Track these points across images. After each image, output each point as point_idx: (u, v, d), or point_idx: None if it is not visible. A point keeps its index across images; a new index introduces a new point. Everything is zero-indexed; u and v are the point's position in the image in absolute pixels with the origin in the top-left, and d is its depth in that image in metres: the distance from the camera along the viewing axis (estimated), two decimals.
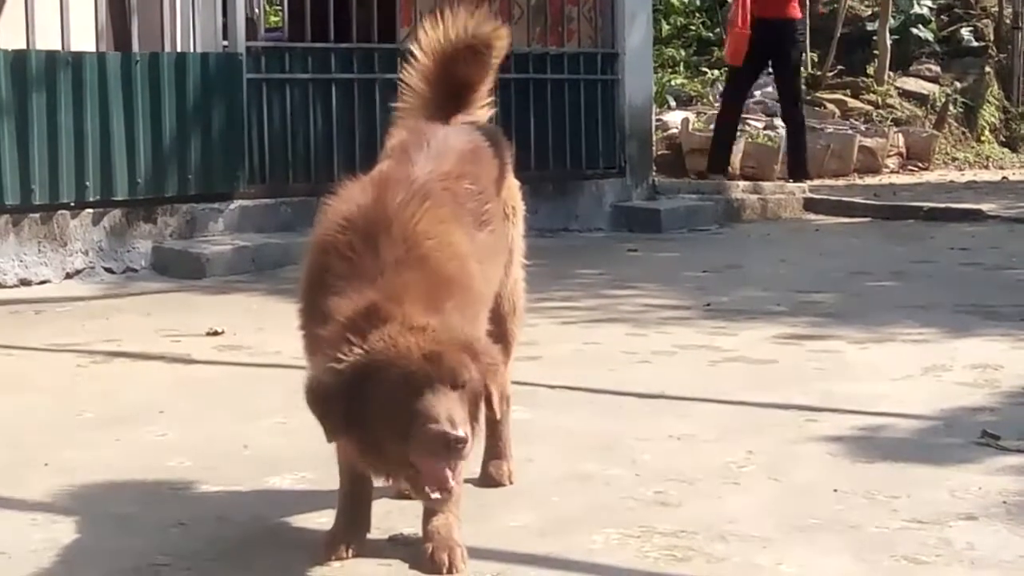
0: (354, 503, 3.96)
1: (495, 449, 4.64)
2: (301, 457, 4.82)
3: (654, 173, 14.03)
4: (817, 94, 20.64)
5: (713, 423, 5.52)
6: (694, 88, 20.34)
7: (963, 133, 21.71)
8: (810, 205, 14.71)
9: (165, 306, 8.61)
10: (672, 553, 3.95)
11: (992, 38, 23.10)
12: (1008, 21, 23.14)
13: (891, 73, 21.44)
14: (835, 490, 4.57)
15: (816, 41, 21.46)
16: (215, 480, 4.69)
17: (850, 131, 18.95)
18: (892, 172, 19.14)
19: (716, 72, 21.09)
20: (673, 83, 20.35)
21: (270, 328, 7.44)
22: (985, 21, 23.41)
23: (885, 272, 10.09)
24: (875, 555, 3.93)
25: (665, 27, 22.41)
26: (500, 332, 4.31)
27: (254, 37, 12.02)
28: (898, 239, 12.35)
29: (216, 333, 7.48)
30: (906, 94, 21.42)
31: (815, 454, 5.06)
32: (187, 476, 4.75)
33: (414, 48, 4.53)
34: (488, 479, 4.61)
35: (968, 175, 19.54)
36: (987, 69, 22.56)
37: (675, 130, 17.30)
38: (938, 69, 22.24)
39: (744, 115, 17.61)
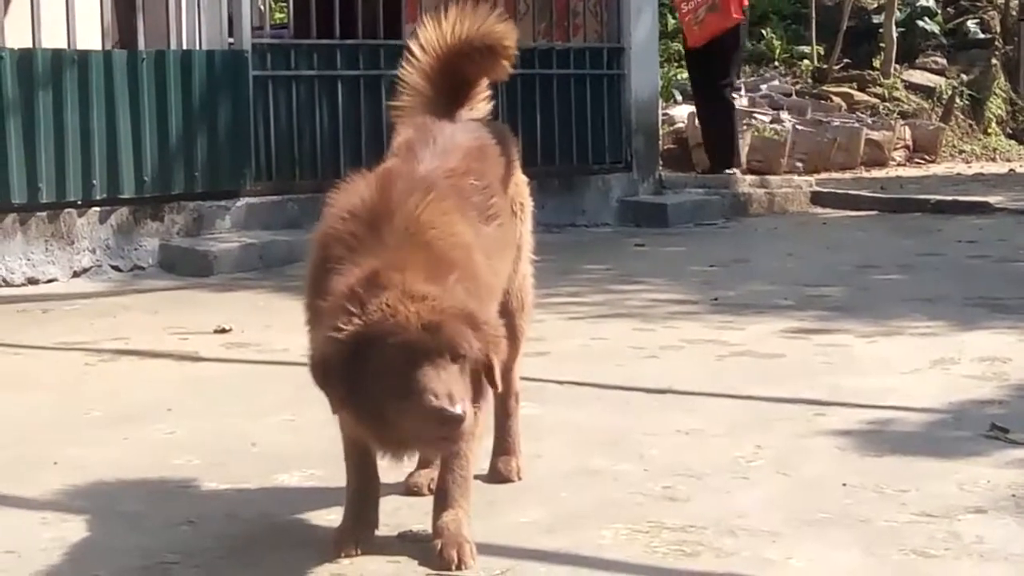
0: (362, 500, 3.96)
1: (504, 445, 4.64)
2: (309, 454, 4.83)
3: (660, 168, 14.03)
4: (823, 87, 20.65)
5: (721, 418, 5.52)
6: None
7: (970, 125, 21.71)
8: (817, 199, 14.69)
9: (172, 304, 8.62)
10: (681, 548, 3.95)
11: (998, 30, 23.10)
12: (1014, 13, 23.14)
13: (897, 66, 21.44)
14: (844, 484, 4.56)
15: (822, 34, 21.47)
16: (223, 478, 4.69)
17: (856, 124, 18.95)
18: (899, 165, 19.13)
19: None
20: (679, 77, 20.31)
21: (277, 325, 7.44)
22: (991, 13, 23.40)
23: (892, 265, 10.08)
24: (884, 549, 3.93)
25: (671, 21, 22.38)
26: (509, 328, 4.29)
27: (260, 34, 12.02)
28: (905, 232, 12.34)
29: (224, 330, 7.49)
30: (912, 87, 21.41)
31: (824, 448, 5.05)
32: (195, 474, 4.75)
33: (413, 45, 4.52)
34: (497, 475, 4.61)
35: (975, 167, 19.53)
36: (993, 61, 22.56)
37: (681, 124, 17.29)
38: (944, 62, 22.24)
39: (750, 109, 17.61)
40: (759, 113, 18.11)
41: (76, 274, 9.51)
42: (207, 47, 10.31)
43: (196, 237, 10.13)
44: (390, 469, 4.19)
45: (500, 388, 3.76)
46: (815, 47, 21.69)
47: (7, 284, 9.16)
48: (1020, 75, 22.72)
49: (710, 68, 14.31)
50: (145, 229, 9.90)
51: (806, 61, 21.75)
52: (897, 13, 21.45)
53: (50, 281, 9.35)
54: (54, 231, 9.42)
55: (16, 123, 9.21)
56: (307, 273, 3.93)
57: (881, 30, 21.50)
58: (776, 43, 22.14)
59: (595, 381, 6.22)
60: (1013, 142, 22.12)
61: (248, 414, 5.62)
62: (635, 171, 13.25)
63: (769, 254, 10.86)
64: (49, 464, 4.87)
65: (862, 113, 20.09)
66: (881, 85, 21.01)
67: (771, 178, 15.17)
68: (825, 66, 21.18)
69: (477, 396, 3.65)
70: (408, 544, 3.97)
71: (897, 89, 21.12)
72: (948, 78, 21.85)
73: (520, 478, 4.62)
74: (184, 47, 10.26)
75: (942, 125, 20.60)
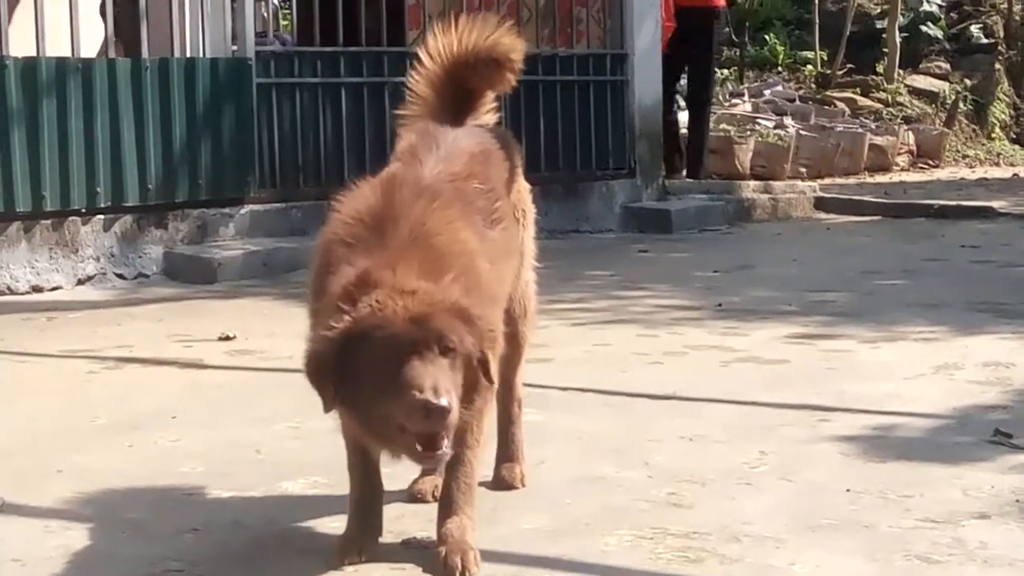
0: (366, 507, 3.96)
1: (507, 452, 4.64)
2: (314, 462, 4.83)
3: (664, 173, 14.02)
4: (827, 92, 20.65)
5: (725, 424, 5.52)
6: None
7: (973, 130, 21.70)
8: (821, 204, 14.69)
9: (177, 311, 8.62)
10: (685, 554, 3.95)
11: (1002, 35, 23.10)
12: (1017, 18, 23.14)
13: (901, 71, 21.44)
14: (848, 490, 4.56)
15: (825, 39, 21.47)
16: (228, 485, 4.70)
17: (860, 129, 18.95)
18: (902, 170, 19.13)
19: (726, 72, 21.09)
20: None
21: (282, 333, 7.44)
22: (995, 18, 23.41)
23: (896, 271, 10.08)
24: (888, 555, 3.93)
25: None
26: (512, 334, 4.30)
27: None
28: (909, 237, 12.34)
29: (228, 338, 7.49)
30: (916, 92, 21.42)
31: (828, 454, 5.06)
32: (200, 481, 4.75)
33: (421, 54, 4.53)
34: (501, 482, 4.61)
35: (979, 172, 19.52)
36: (997, 66, 22.56)
37: (684, 130, 17.28)
38: (948, 66, 22.24)
39: (754, 114, 17.60)
40: (763, 118, 18.11)
41: (80, 282, 9.51)
42: (211, 55, 10.32)
43: (200, 245, 10.14)
44: (394, 477, 4.21)
45: (495, 382, 3.73)
46: (819, 52, 21.70)
47: (12, 292, 9.17)
48: None
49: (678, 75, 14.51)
50: (149, 237, 9.91)
51: (809, 66, 21.76)
52: (900, 18, 21.46)
53: (54, 289, 9.36)
54: (58, 239, 9.43)
55: (20, 132, 9.23)
56: (311, 278, 3.93)
57: (884, 35, 21.51)
58: (780, 49, 22.15)
59: (599, 387, 6.22)
60: (1017, 147, 22.11)
61: (253, 422, 5.63)
62: (638, 177, 13.25)
63: (773, 260, 10.85)
64: (54, 472, 4.87)
65: (866, 118, 20.09)
66: (885, 90, 21.02)
67: (775, 184, 15.17)
68: (829, 71, 21.18)
69: (472, 394, 3.65)
70: (412, 551, 3.97)
71: (901, 94, 21.13)
72: (952, 83, 21.85)
73: (524, 485, 4.62)
74: (188, 55, 10.27)
75: (946, 130, 20.60)
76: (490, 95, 4.61)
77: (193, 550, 4.03)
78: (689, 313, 8.33)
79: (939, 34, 22.53)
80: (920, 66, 22.09)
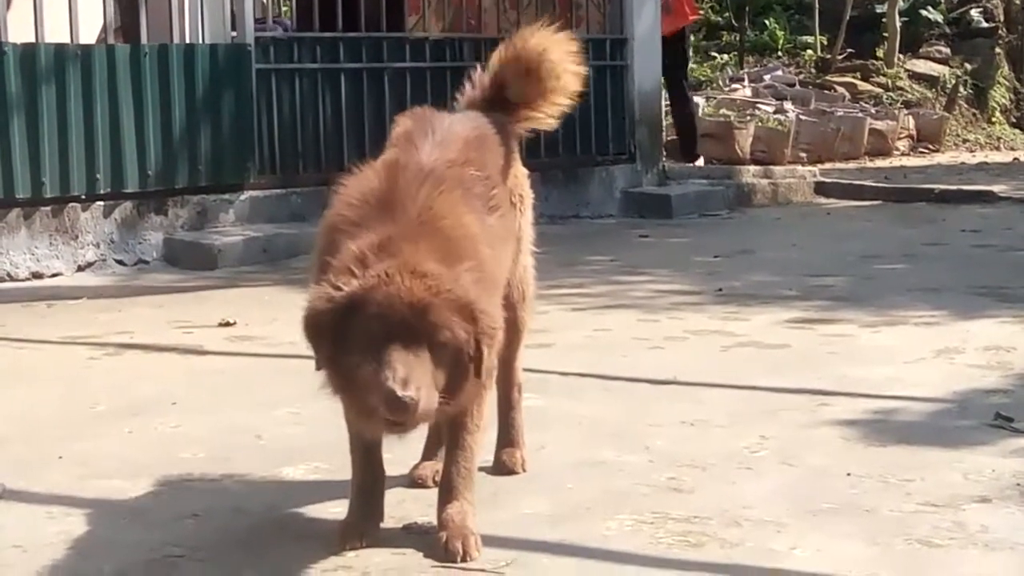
0: (367, 492, 3.96)
1: (508, 437, 4.64)
2: (315, 447, 4.83)
3: (664, 158, 14.02)
4: (827, 77, 20.62)
5: (726, 408, 5.52)
6: (704, 73, 20.31)
7: (974, 115, 21.70)
8: (821, 189, 14.69)
9: (177, 298, 8.62)
10: (686, 539, 3.95)
11: (1002, 19, 23.07)
12: (1018, 1, 23.10)
13: (901, 55, 21.42)
14: (848, 474, 4.56)
15: (825, 24, 21.44)
16: (229, 471, 4.70)
17: (860, 114, 18.94)
18: (903, 154, 19.13)
19: (726, 56, 21.08)
20: None
21: (282, 319, 7.43)
22: (995, 2, 23.39)
23: (896, 255, 10.08)
24: (889, 538, 3.93)
25: None
26: (511, 319, 4.30)
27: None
28: (909, 222, 12.34)
29: (228, 324, 7.49)
30: (916, 76, 21.40)
31: (828, 438, 5.06)
32: (201, 468, 4.75)
33: (503, 47, 4.57)
34: (501, 467, 4.61)
35: (979, 157, 19.52)
36: (997, 50, 22.55)
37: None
38: (948, 51, 22.22)
39: (754, 99, 17.61)
40: (763, 103, 18.10)
41: (80, 268, 9.51)
42: (210, 41, 10.31)
43: (200, 231, 10.14)
44: (395, 462, 4.21)
45: (482, 378, 3.71)
46: (818, 37, 21.67)
47: (12, 279, 9.17)
48: None
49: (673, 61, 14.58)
50: (149, 223, 9.91)
51: (809, 51, 21.74)
52: (900, 2, 21.44)
53: (54, 275, 9.36)
54: (58, 225, 9.43)
55: (20, 118, 9.22)
56: (314, 259, 3.92)
57: (884, 19, 21.48)
58: (779, 33, 22.12)
59: (599, 372, 6.22)
60: (1017, 131, 22.10)
61: (253, 407, 5.63)
62: (639, 162, 13.25)
63: (773, 244, 10.85)
64: (54, 458, 4.87)
65: (866, 103, 20.07)
66: (885, 75, 21.00)
67: (775, 168, 15.17)
68: (829, 56, 21.16)
69: (461, 386, 3.63)
70: (413, 536, 3.97)
71: (901, 79, 21.11)
72: (952, 67, 21.83)
73: (524, 470, 4.62)
74: (187, 41, 10.26)
75: (946, 114, 20.59)
76: (532, 112, 4.66)
77: (194, 536, 4.03)
78: (689, 298, 8.33)
79: (939, 18, 22.51)
80: (920, 50, 22.06)
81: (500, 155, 4.35)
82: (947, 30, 22.62)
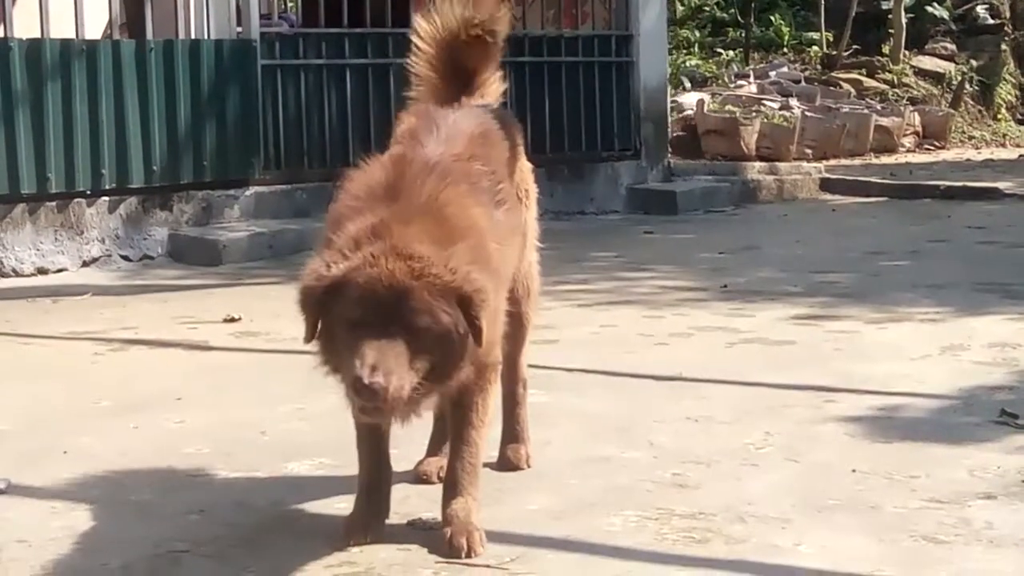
0: (373, 488, 3.96)
1: (512, 433, 4.64)
2: (319, 443, 4.83)
3: (669, 155, 14.01)
4: (832, 74, 20.60)
5: (730, 405, 5.51)
6: (709, 69, 20.30)
7: (979, 111, 21.67)
8: (826, 185, 14.68)
9: (182, 293, 8.62)
10: (691, 535, 3.95)
11: (1008, 15, 23.04)
12: None
13: (906, 52, 21.39)
14: (853, 470, 4.56)
15: (831, 20, 21.42)
16: (233, 466, 4.70)
17: (866, 110, 18.91)
18: (908, 151, 19.10)
19: (731, 53, 21.06)
20: (688, 64, 20.31)
21: (287, 314, 7.34)
22: None
23: (902, 251, 10.07)
24: (894, 535, 3.93)
25: (680, 8, 22.38)
26: (515, 315, 4.30)
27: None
28: (915, 218, 12.33)
29: (233, 320, 7.49)
30: (922, 73, 21.37)
31: (833, 434, 5.05)
32: (205, 463, 4.76)
33: (414, 36, 4.52)
34: (506, 463, 4.61)
35: (985, 153, 19.49)
36: (1003, 47, 22.51)
37: (690, 111, 17.27)
38: (954, 47, 22.19)
39: (759, 95, 17.59)
40: (768, 100, 18.07)
41: (85, 264, 9.52)
42: (215, 36, 10.31)
43: (205, 226, 10.14)
44: (400, 458, 4.21)
45: (482, 346, 3.65)
46: (824, 33, 21.64)
47: (17, 274, 9.18)
48: None
49: None
50: (154, 218, 9.91)
51: (815, 47, 21.72)
52: None
53: (60, 271, 9.37)
54: (63, 221, 9.43)
55: (25, 114, 9.22)
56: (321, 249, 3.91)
57: (890, 16, 21.45)
58: (785, 30, 22.10)
59: (604, 368, 6.22)
60: (1023, 128, 22.07)
61: (258, 403, 5.63)
62: (644, 158, 13.24)
63: (778, 241, 10.84)
64: (59, 453, 4.88)
65: (871, 99, 20.05)
66: (890, 71, 20.97)
67: (780, 165, 15.16)
68: (834, 52, 21.13)
69: (450, 369, 3.61)
70: (418, 532, 3.97)
71: (906, 75, 21.08)
72: (957, 64, 21.80)
73: (529, 466, 4.62)
74: (192, 37, 10.26)
75: (951, 111, 20.56)
76: (489, 70, 4.58)
77: (198, 531, 4.03)
78: (694, 294, 8.33)
79: (945, 15, 22.47)
80: (926, 47, 22.03)
81: (505, 150, 4.35)
82: (953, 27, 22.59)
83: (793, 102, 18.03)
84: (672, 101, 16.39)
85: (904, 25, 21.06)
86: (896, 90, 20.68)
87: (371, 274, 3.52)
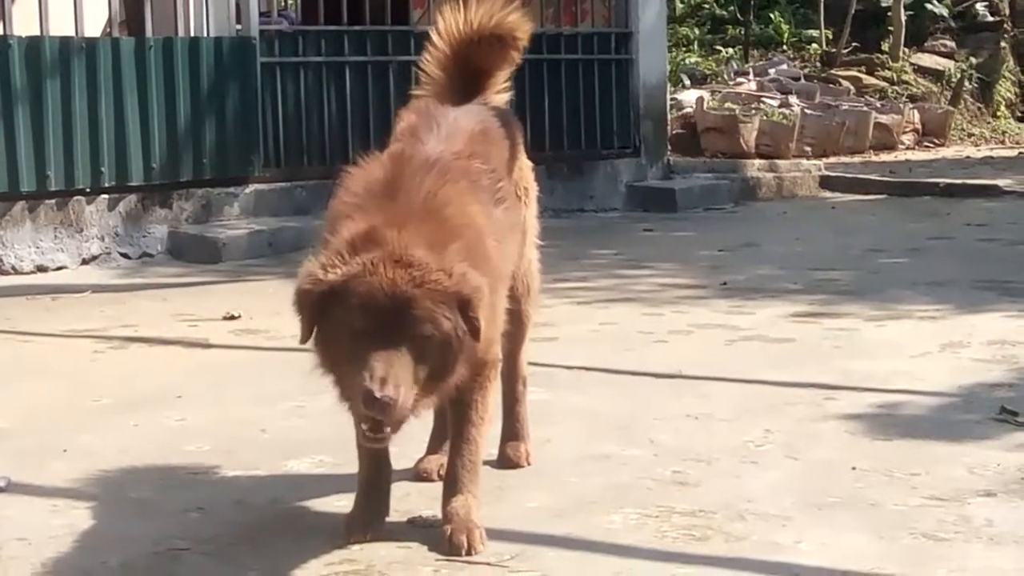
0: (373, 486, 3.96)
1: (513, 430, 4.64)
2: (319, 441, 4.83)
3: (669, 152, 14.01)
4: (832, 71, 20.59)
5: (730, 402, 5.52)
6: (708, 66, 20.29)
7: (979, 109, 21.66)
8: (826, 183, 14.68)
9: (181, 291, 8.62)
10: (691, 532, 3.95)
11: (1007, 12, 23.02)
12: None
13: (906, 49, 21.38)
14: (853, 468, 4.56)
15: (830, 18, 21.41)
16: (233, 464, 4.70)
17: (865, 108, 18.89)
18: (908, 148, 19.09)
19: (731, 50, 21.05)
20: (687, 62, 20.30)
21: (287, 312, 7.34)
22: None
23: (901, 249, 10.07)
24: (894, 532, 3.93)
25: (679, 5, 22.37)
26: (515, 312, 4.30)
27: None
28: (914, 216, 12.33)
29: (233, 317, 7.49)
30: (921, 70, 21.36)
31: (833, 432, 5.05)
32: (205, 460, 4.76)
33: (432, 33, 4.52)
34: (506, 460, 4.61)
35: (984, 150, 19.49)
36: (1002, 44, 22.50)
37: (690, 109, 17.25)
38: (953, 45, 22.18)
39: (759, 93, 17.59)
40: (768, 97, 18.06)
41: (85, 261, 9.52)
42: (215, 34, 10.31)
43: (205, 224, 10.14)
44: (400, 456, 4.21)
45: (480, 341, 3.66)
46: (823, 31, 21.63)
47: (16, 272, 9.18)
48: None
49: None
50: (154, 216, 9.91)
51: (814, 45, 21.71)
52: None
53: (59, 269, 9.37)
54: (63, 219, 9.43)
55: (24, 111, 9.22)
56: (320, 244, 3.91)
57: (890, 13, 21.44)
58: (784, 27, 22.10)
59: (604, 366, 6.22)
60: (1022, 125, 22.06)
61: (257, 401, 5.63)
62: (643, 156, 13.24)
63: (778, 238, 10.84)
64: (59, 451, 4.88)
65: (871, 97, 20.03)
66: (890, 68, 20.96)
67: (780, 162, 15.16)
68: (834, 50, 21.12)
69: (451, 371, 3.62)
70: (418, 530, 3.97)
71: (906, 72, 21.07)
72: (957, 61, 21.79)
73: (529, 463, 4.62)
74: (192, 34, 10.25)
75: (951, 108, 20.55)
76: (501, 74, 4.59)
77: (198, 529, 4.03)
78: (694, 292, 8.33)
79: (944, 12, 22.46)
80: (925, 44, 22.02)
81: (505, 148, 4.35)
82: (952, 24, 22.57)
83: (792, 99, 18.02)
84: (672, 99, 16.38)
85: (904, 22, 21.05)
86: (896, 87, 20.67)
87: (371, 283, 3.51)
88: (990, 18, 22.80)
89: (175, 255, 9.86)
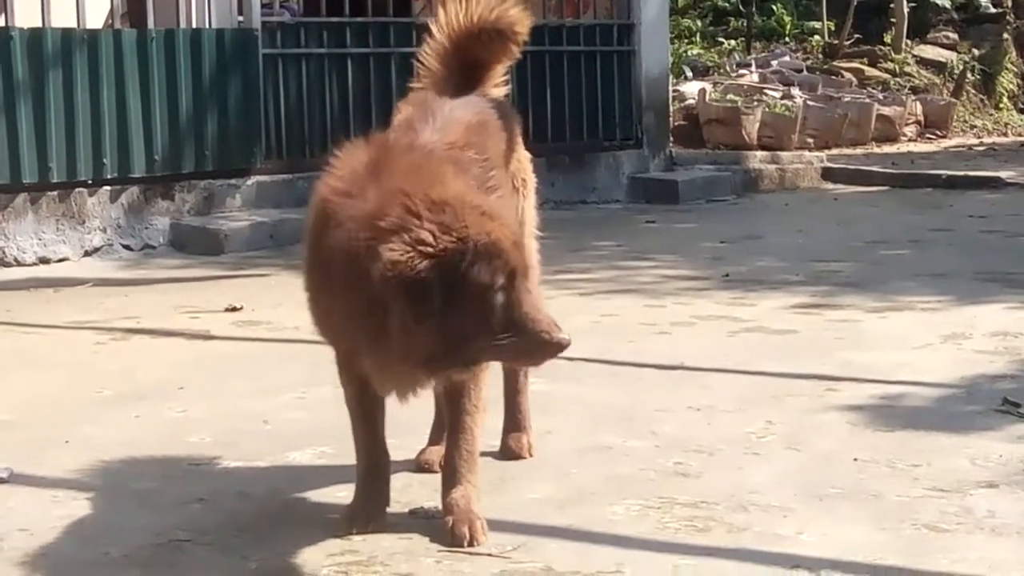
0: (373, 477, 3.96)
1: (514, 421, 4.64)
2: (320, 432, 4.83)
3: (671, 144, 14.01)
4: (834, 63, 20.57)
5: (732, 393, 5.51)
6: (711, 58, 20.27)
7: (981, 100, 21.64)
8: (828, 174, 14.68)
9: (183, 283, 8.63)
10: (692, 523, 3.95)
11: (1010, 4, 23.00)
12: None
13: (908, 41, 21.36)
14: (855, 459, 4.56)
15: (833, 10, 21.38)
16: (235, 455, 4.70)
17: (868, 100, 18.88)
18: (910, 140, 19.07)
19: (733, 42, 21.04)
20: (690, 53, 20.27)
21: (288, 304, 7.43)
22: None
23: (903, 240, 10.07)
24: (896, 523, 3.93)
25: None
26: None
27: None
28: (916, 207, 12.32)
29: (235, 309, 7.50)
30: (923, 62, 21.34)
31: (835, 423, 5.05)
32: (207, 452, 4.76)
33: (432, 26, 4.51)
34: (508, 451, 4.61)
35: (986, 142, 19.47)
36: (1005, 36, 22.47)
37: (692, 101, 17.25)
38: (955, 36, 22.15)
39: (761, 84, 17.58)
40: (770, 89, 18.05)
41: (87, 253, 9.52)
42: (217, 26, 10.30)
43: (207, 216, 10.14)
44: (401, 447, 4.21)
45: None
46: (826, 22, 21.60)
47: (18, 263, 9.18)
48: None
49: None
50: (156, 208, 9.91)
51: (817, 37, 21.68)
52: None
53: (61, 260, 9.37)
54: (65, 210, 9.43)
55: (26, 103, 9.22)
56: (308, 234, 3.87)
57: (892, 5, 21.41)
58: (786, 19, 22.06)
59: (606, 357, 6.21)
60: None
61: (259, 392, 5.63)
62: (645, 148, 13.24)
63: (780, 230, 10.84)
64: (61, 443, 4.88)
65: (873, 88, 20.01)
66: (892, 60, 20.94)
67: (782, 154, 15.15)
68: (836, 42, 21.09)
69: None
70: (420, 521, 3.97)
71: (908, 64, 21.05)
72: (959, 53, 21.77)
73: (531, 454, 4.62)
74: (194, 26, 10.25)
75: (953, 100, 20.53)
76: (499, 67, 4.59)
77: (200, 520, 4.03)
78: (696, 283, 8.33)
79: (947, 4, 22.43)
80: (928, 36, 21.99)
81: (502, 140, 4.34)
82: (955, 16, 22.54)
83: (795, 91, 18.00)
84: (674, 90, 16.37)
85: (906, 14, 21.02)
86: (898, 79, 20.65)
87: (493, 239, 3.50)
88: (992, 10, 22.77)
89: (177, 247, 9.86)
